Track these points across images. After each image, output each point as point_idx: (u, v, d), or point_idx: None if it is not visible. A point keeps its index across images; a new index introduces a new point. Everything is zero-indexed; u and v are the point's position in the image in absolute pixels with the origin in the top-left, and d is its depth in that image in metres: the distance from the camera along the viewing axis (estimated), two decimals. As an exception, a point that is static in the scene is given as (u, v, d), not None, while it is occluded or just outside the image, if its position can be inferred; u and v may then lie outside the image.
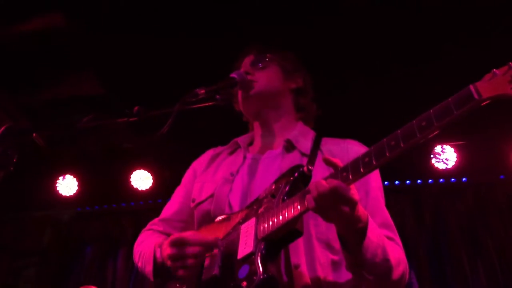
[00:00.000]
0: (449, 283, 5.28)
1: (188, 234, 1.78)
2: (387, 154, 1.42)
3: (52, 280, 6.05)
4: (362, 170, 1.47)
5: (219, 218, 1.94)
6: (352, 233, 1.56)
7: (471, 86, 1.31)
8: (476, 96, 1.28)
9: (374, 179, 1.96)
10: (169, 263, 1.79)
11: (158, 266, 1.90)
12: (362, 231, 1.56)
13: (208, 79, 2.02)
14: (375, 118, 4.75)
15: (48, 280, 6.05)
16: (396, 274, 1.68)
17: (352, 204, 1.49)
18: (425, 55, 4.22)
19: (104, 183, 5.98)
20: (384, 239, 1.66)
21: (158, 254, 1.89)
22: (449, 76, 4.06)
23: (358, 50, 4.19)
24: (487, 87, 1.28)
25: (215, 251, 1.77)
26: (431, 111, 1.36)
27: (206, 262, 1.78)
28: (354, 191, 1.50)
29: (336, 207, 1.47)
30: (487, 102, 1.29)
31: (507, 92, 1.25)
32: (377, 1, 3.82)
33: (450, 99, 1.33)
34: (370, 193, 1.90)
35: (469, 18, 3.84)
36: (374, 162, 1.45)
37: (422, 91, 4.28)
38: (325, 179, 1.51)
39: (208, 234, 1.87)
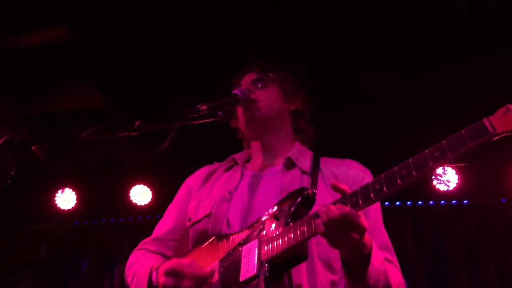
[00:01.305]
0: (449, 305, 5.23)
1: (184, 265, 1.73)
2: (399, 182, 1.43)
3: (47, 294, 5.98)
4: (372, 197, 1.47)
5: (217, 237, 1.91)
6: (356, 259, 1.56)
7: (485, 120, 1.33)
8: (491, 130, 1.31)
9: None
10: None
11: None
12: (366, 258, 1.56)
13: (210, 93, 2.01)
14: (371, 137, 4.76)
15: (43, 294, 5.99)
16: None
17: (362, 231, 1.49)
18: (426, 69, 4.23)
19: (103, 197, 5.94)
20: (385, 264, 1.66)
21: (154, 278, 1.86)
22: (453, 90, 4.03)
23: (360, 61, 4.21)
24: (502, 121, 1.31)
25: (215, 273, 1.74)
26: (443, 142, 1.39)
27: (205, 286, 1.74)
28: (363, 217, 1.50)
29: (347, 234, 1.47)
30: (501, 136, 1.32)
31: None
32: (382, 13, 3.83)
33: (463, 131, 1.36)
34: (369, 214, 1.88)
35: (472, 35, 3.85)
36: (385, 190, 1.45)
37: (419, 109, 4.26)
38: (334, 204, 1.50)
39: (205, 258, 1.84)
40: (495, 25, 3.74)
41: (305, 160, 2.10)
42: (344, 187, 1.54)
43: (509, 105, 1.32)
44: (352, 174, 2.00)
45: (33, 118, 4.82)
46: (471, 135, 1.33)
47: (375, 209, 1.95)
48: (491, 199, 5.44)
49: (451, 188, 5.26)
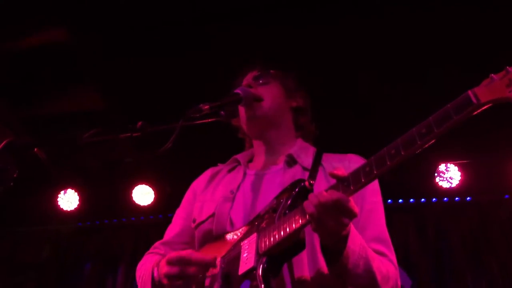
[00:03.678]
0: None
1: (186, 253, 1.74)
2: (388, 163, 1.43)
3: (51, 295, 5.99)
4: (363, 180, 1.47)
5: (221, 236, 1.91)
6: (334, 241, 1.56)
7: (469, 92, 1.34)
8: (474, 100, 1.31)
9: (370, 193, 1.95)
10: (165, 281, 1.76)
11: (156, 286, 1.87)
12: (344, 240, 1.56)
13: (212, 94, 2.00)
14: (377, 133, 4.75)
15: (46, 295, 5.99)
16: None
17: (352, 216, 1.50)
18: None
19: (106, 197, 5.94)
20: (368, 251, 1.65)
21: (155, 274, 1.87)
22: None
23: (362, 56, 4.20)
24: (485, 91, 1.32)
25: (216, 269, 1.74)
26: (430, 118, 1.39)
27: (206, 282, 1.75)
28: (353, 203, 1.50)
29: (336, 218, 1.48)
30: (486, 106, 1.32)
31: (505, 96, 1.28)
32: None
33: (449, 105, 1.36)
34: (364, 206, 1.88)
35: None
36: (375, 171, 1.46)
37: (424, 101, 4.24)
38: (326, 190, 1.51)
39: (208, 253, 1.84)
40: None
41: (306, 157, 2.09)
42: (341, 171, 1.53)
43: (492, 75, 1.32)
44: (353, 168, 1.99)
45: (35, 120, 4.82)
46: (456, 108, 1.34)
47: (372, 202, 1.93)
48: (494, 195, 5.42)
49: (454, 185, 5.24)
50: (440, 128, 1.35)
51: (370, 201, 1.92)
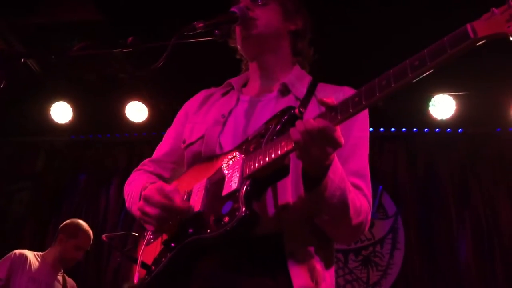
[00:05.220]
0: (434, 230, 5.41)
1: (168, 202, 1.71)
2: (377, 94, 1.41)
3: (45, 204, 6.15)
4: (351, 110, 1.46)
5: (209, 158, 1.93)
6: (317, 169, 1.57)
7: (468, 25, 1.29)
8: (471, 35, 1.27)
9: (358, 128, 1.93)
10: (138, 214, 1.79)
11: None
12: (325, 170, 1.58)
13: (208, 11, 1.93)
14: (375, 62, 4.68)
15: (41, 203, 6.15)
16: (353, 221, 1.70)
17: (336, 145, 1.50)
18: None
19: (99, 112, 5.95)
20: (347, 184, 1.67)
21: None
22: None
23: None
24: (484, 25, 1.27)
25: (201, 190, 1.77)
26: (425, 50, 1.35)
27: (191, 202, 1.79)
28: (339, 132, 1.50)
29: (321, 147, 1.48)
30: (483, 41, 1.28)
31: (503, 31, 1.24)
32: None
33: (445, 38, 1.32)
34: (349, 140, 1.87)
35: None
36: (363, 102, 1.44)
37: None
38: (314, 118, 1.51)
39: (197, 177, 1.88)
40: None
41: (301, 87, 2.07)
42: (330, 100, 1.52)
43: (494, 9, 1.27)
44: None
45: (28, 28, 4.69)
46: (452, 41, 1.30)
47: (358, 136, 1.92)
48: (486, 128, 5.47)
49: (447, 116, 5.25)
50: (433, 61, 1.31)
51: (356, 136, 1.92)
